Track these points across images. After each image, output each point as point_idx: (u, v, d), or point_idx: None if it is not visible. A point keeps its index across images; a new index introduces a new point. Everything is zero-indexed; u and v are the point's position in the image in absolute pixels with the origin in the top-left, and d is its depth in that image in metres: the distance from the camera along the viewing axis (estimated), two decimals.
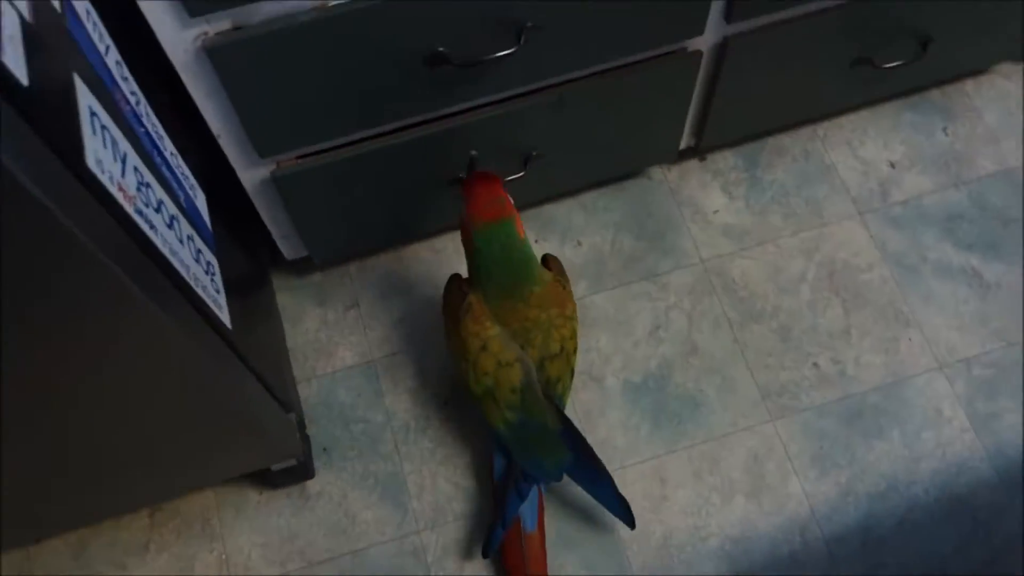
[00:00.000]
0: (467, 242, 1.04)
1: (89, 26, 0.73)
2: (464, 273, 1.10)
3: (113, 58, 0.78)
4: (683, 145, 1.34)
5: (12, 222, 0.53)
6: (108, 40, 0.78)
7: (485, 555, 1.12)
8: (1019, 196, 1.36)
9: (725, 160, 1.42)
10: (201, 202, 0.97)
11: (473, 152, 1.10)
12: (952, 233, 1.34)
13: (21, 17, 0.57)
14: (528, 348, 1.04)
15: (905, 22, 1.20)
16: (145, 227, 0.71)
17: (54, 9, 0.66)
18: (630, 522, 1.09)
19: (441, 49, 0.96)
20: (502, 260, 1.01)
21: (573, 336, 1.07)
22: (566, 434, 1.05)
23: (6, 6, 0.54)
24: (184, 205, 0.89)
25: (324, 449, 1.25)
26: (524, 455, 1.07)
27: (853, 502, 1.18)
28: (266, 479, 1.21)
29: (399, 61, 0.96)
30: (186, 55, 0.89)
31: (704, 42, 1.12)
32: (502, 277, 1.03)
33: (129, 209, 0.68)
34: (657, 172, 1.41)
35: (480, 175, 1.04)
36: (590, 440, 1.09)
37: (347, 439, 1.26)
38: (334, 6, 0.88)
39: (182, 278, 0.78)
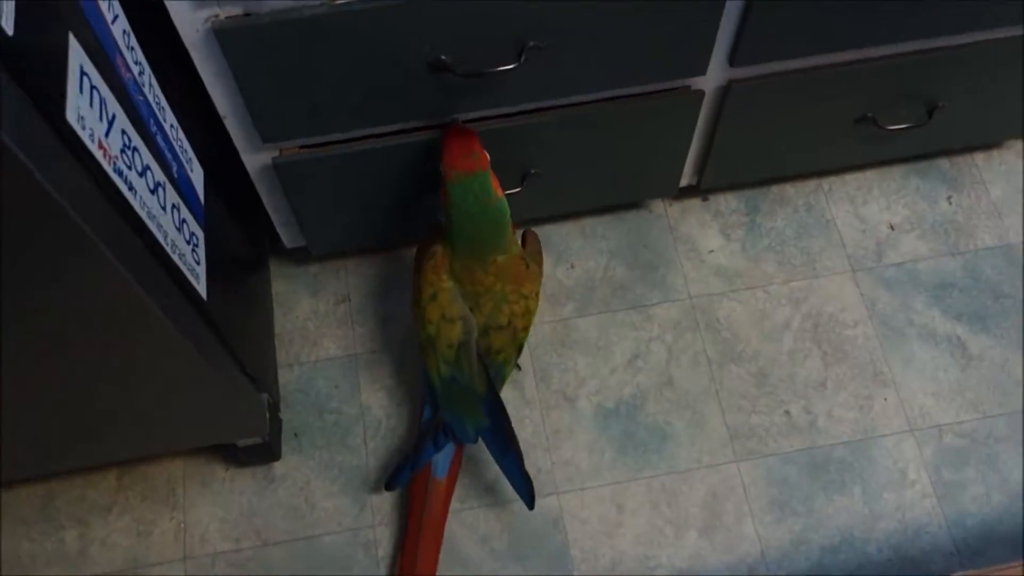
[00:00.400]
0: (443, 196, 1.05)
1: None
2: None
3: (120, 27, 0.82)
4: (684, 182, 1.36)
5: None
6: (118, 10, 0.82)
7: (387, 488, 1.17)
8: (1015, 272, 1.36)
9: (727, 203, 1.44)
10: (197, 177, 1.01)
11: (456, 116, 1.10)
12: (942, 300, 1.35)
13: None
14: (476, 312, 1.08)
15: (912, 86, 1.22)
16: (123, 187, 0.75)
17: None
18: (529, 501, 1.10)
19: (443, 57, 0.99)
20: (476, 214, 1.03)
21: (525, 315, 1.10)
22: (488, 402, 1.09)
23: None
24: (176, 176, 0.93)
25: (295, 434, 1.28)
26: (448, 410, 1.12)
27: (805, 551, 1.18)
28: (233, 456, 1.24)
29: (402, 64, 1.00)
30: (196, 35, 0.93)
31: (707, 82, 1.15)
32: (472, 232, 1.05)
33: (108, 167, 0.72)
34: (659, 206, 1.44)
35: (456, 128, 1.06)
36: (553, 457, 1.11)
37: (319, 427, 1.28)
38: (341, 3, 0.92)
39: (157, 242, 0.82)
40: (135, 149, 0.80)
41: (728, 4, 1.02)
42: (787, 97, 1.19)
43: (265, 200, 1.23)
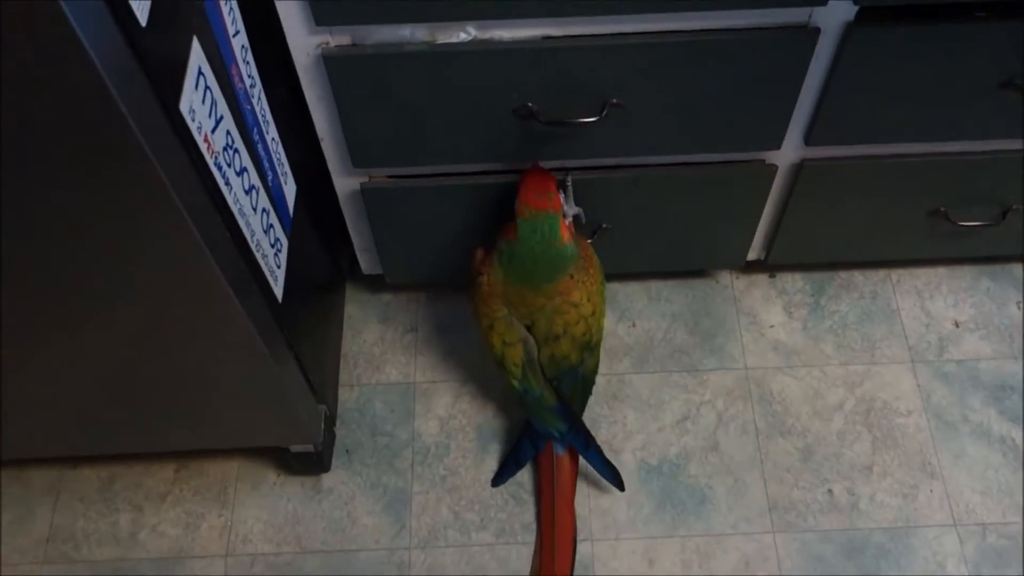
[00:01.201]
0: (509, 230, 1.09)
1: (224, 9, 0.86)
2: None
3: (240, 42, 0.91)
4: (752, 256, 1.39)
5: (100, 132, 0.64)
6: (240, 25, 0.91)
7: (494, 484, 1.29)
8: None
9: (794, 282, 1.46)
10: (290, 189, 1.09)
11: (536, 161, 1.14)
12: (1000, 402, 1.33)
13: None
14: (534, 330, 1.14)
15: (987, 185, 1.23)
16: (220, 180, 0.82)
17: None
18: (619, 485, 1.25)
19: (530, 104, 1.06)
20: (539, 253, 1.08)
21: (579, 321, 1.13)
22: (559, 409, 1.18)
23: None
24: (271, 184, 1.00)
25: (346, 451, 1.33)
26: (531, 417, 1.23)
27: None
28: (285, 463, 1.29)
29: (492, 106, 1.06)
30: (307, 59, 1.02)
31: (781, 158, 1.18)
32: (532, 268, 1.09)
33: (209, 159, 0.79)
34: (725, 277, 1.46)
35: (536, 168, 1.11)
36: (592, 504, 1.17)
37: (370, 447, 1.33)
38: (441, 44, 0.99)
39: (243, 237, 0.89)
40: (236, 150, 0.88)
41: (806, 84, 1.06)
42: (859, 182, 1.22)
43: (349, 224, 1.30)
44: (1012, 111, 1.09)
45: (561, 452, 1.24)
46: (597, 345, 1.19)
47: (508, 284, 1.11)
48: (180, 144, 0.73)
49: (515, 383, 1.17)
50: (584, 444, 1.22)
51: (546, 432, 1.22)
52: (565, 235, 1.09)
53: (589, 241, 1.22)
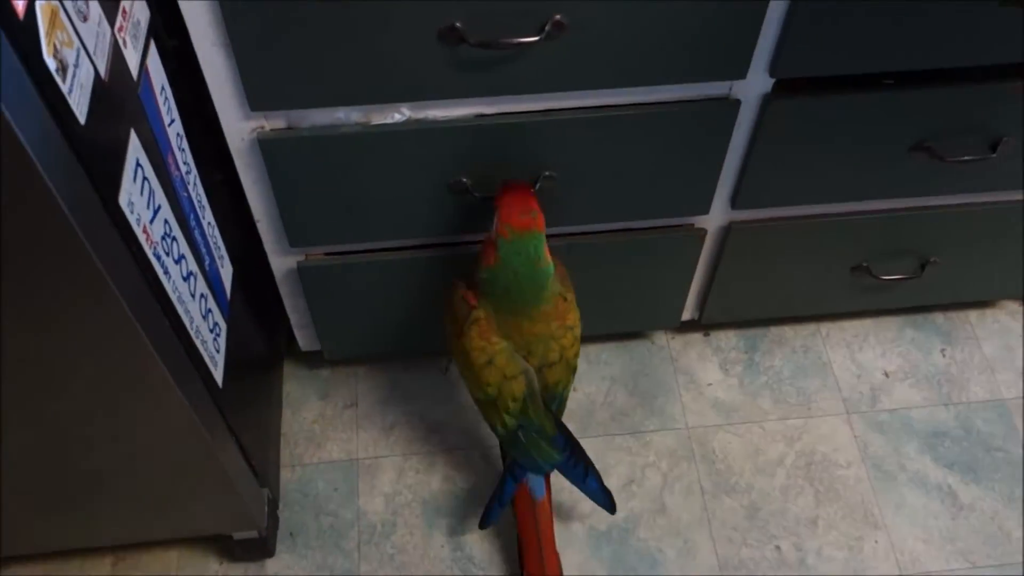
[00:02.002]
0: (488, 259, 1.01)
1: (160, 99, 0.86)
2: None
3: (175, 130, 0.91)
4: (686, 316, 1.42)
5: (37, 227, 0.64)
6: (175, 114, 0.91)
7: (481, 527, 1.22)
8: (1006, 427, 1.39)
9: (727, 339, 1.49)
10: (227, 272, 1.08)
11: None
12: (934, 449, 1.37)
13: (97, 73, 0.70)
14: (529, 358, 1.07)
15: (905, 240, 1.29)
16: (159, 270, 0.81)
17: (131, 77, 0.79)
18: (612, 509, 1.21)
19: (464, 179, 1.07)
20: (524, 276, 1.00)
21: (573, 344, 1.09)
22: (560, 439, 1.13)
23: (84, 60, 0.67)
24: (207, 269, 1.00)
25: (291, 534, 1.30)
26: (518, 452, 1.15)
27: None
28: (228, 550, 1.26)
29: (427, 182, 1.08)
30: (242, 143, 1.02)
31: (709, 222, 1.22)
32: (516, 292, 1.02)
33: (148, 250, 0.79)
34: (661, 338, 1.49)
35: (514, 184, 1.02)
36: None
37: (315, 529, 1.31)
38: (375, 125, 1.01)
39: (183, 325, 0.88)
40: (174, 238, 0.87)
41: (730, 152, 1.10)
42: (785, 242, 1.26)
43: (286, 302, 1.29)
44: (924, 170, 1.15)
45: (540, 496, 1.20)
46: (575, 369, 1.15)
47: (500, 313, 1.04)
48: (119, 237, 0.73)
49: (508, 420, 1.10)
50: (582, 474, 1.17)
51: (537, 467, 1.16)
52: (547, 255, 1.02)
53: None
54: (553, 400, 1.12)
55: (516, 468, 1.18)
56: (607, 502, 1.20)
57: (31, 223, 0.65)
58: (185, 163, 0.94)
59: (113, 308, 0.74)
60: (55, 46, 0.62)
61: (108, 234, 0.71)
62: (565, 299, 1.07)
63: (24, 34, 0.58)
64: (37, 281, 0.70)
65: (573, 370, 1.13)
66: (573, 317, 1.09)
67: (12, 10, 0.57)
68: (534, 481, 1.20)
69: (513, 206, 0.98)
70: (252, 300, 1.20)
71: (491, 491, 1.22)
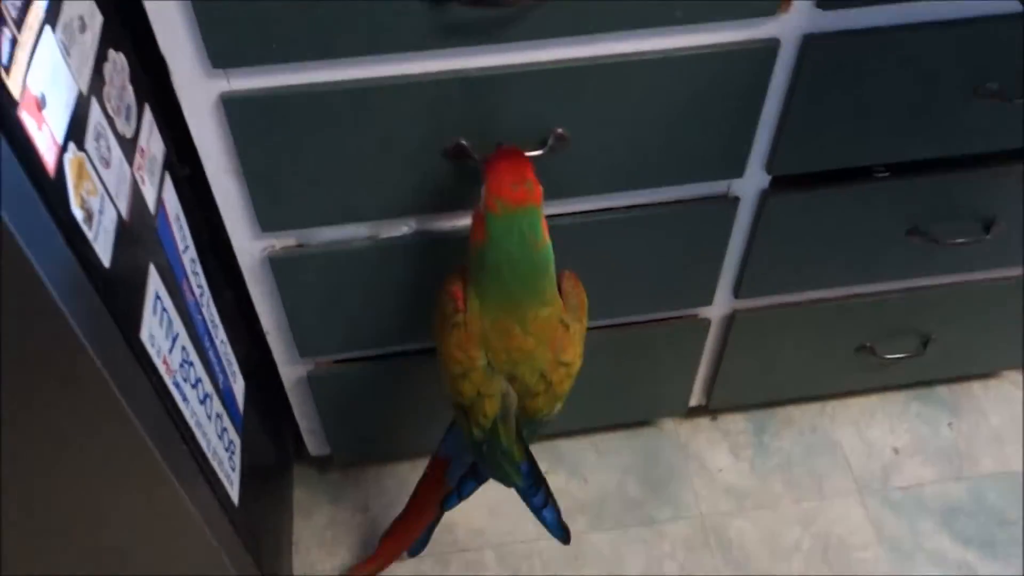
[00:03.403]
0: (477, 235, 0.87)
1: (175, 228, 0.88)
2: None
3: (190, 256, 0.93)
4: (694, 402, 1.42)
5: (66, 366, 0.64)
6: (189, 240, 0.93)
7: (411, 554, 1.25)
8: (1018, 499, 1.39)
9: (735, 423, 1.50)
10: (239, 387, 1.08)
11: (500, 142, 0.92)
12: (950, 525, 1.37)
13: (119, 215, 0.72)
14: (512, 382, 0.94)
15: (905, 320, 1.31)
16: (178, 397, 0.82)
17: (149, 212, 0.81)
18: (566, 540, 1.15)
19: None
20: (519, 259, 0.86)
21: (565, 380, 0.97)
22: (525, 466, 1.04)
23: (107, 205, 0.69)
24: (221, 387, 1.00)
25: None
26: (480, 461, 1.06)
27: None
28: None
29: (434, 291, 1.09)
30: (253, 261, 1.03)
31: (713, 311, 1.24)
32: (511, 281, 0.88)
33: (168, 380, 0.79)
34: (669, 424, 1.49)
35: (506, 150, 0.87)
36: None
37: None
38: (384, 238, 1.03)
39: (201, 449, 0.88)
40: (191, 364, 0.88)
41: (731, 246, 1.12)
42: (788, 327, 1.28)
43: (296, 409, 1.30)
44: (920, 253, 1.17)
45: (453, 504, 1.16)
46: (563, 399, 1.02)
47: (487, 314, 0.90)
48: (141, 371, 0.74)
49: (477, 433, 0.99)
50: (543, 501, 1.09)
51: (498, 480, 1.08)
52: (545, 233, 0.87)
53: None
54: (531, 425, 1.01)
55: (469, 481, 1.14)
56: (562, 535, 1.15)
57: (60, 367, 0.66)
58: (199, 286, 0.95)
59: (136, 442, 0.74)
60: (82, 197, 0.64)
61: (131, 371, 0.72)
62: (567, 327, 0.94)
63: (54, 191, 0.60)
64: (64, 419, 0.71)
65: (560, 398, 1.00)
66: (572, 352, 0.96)
67: (44, 170, 0.59)
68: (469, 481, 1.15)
69: (504, 174, 0.84)
70: (263, 411, 1.20)
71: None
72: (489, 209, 0.84)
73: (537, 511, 1.12)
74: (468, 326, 0.91)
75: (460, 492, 1.16)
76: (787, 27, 0.89)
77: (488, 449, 1.01)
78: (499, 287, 0.88)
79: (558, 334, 0.93)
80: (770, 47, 0.90)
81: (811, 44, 0.90)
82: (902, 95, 0.97)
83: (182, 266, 0.89)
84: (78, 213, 0.63)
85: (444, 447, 1.16)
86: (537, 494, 1.09)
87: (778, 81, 0.94)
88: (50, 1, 0.63)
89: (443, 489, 1.17)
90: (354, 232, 1.02)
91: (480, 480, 1.15)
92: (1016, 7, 0.89)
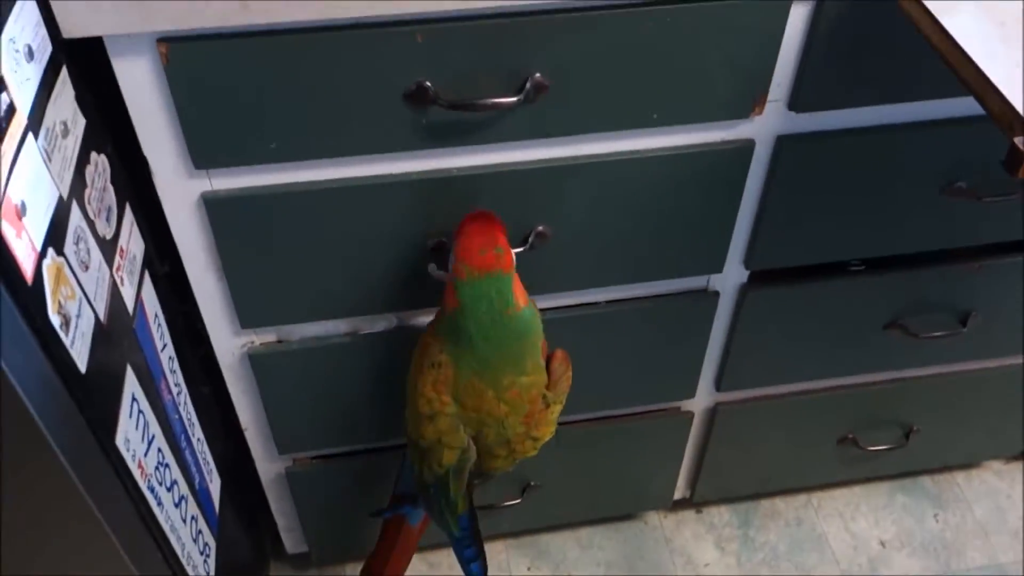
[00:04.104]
0: (449, 300, 0.86)
1: (153, 327, 0.88)
2: None
3: (168, 354, 0.92)
4: (678, 495, 1.41)
5: (38, 473, 0.63)
6: (167, 338, 0.92)
7: (371, 515, 1.13)
8: None
9: (720, 515, 1.48)
10: (215, 487, 1.06)
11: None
12: None
13: (97, 318, 0.71)
14: (477, 439, 0.92)
15: (886, 411, 1.31)
16: (153, 502, 0.80)
17: (127, 312, 0.80)
18: None
19: None
20: (489, 325, 0.84)
21: (531, 450, 0.96)
22: (464, 520, 1.00)
23: (85, 308, 0.68)
24: (197, 488, 0.98)
25: None
26: (425, 500, 1.02)
27: None
28: None
29: None
30: (232, 358, 1.03)
31: (696, 404, 1.23)
32: (484, 348, 0.85)
33: (143, 484, 0.78)
34: (654, 518, 1.47)
35: (476, 214, 0.85)
36: None
37: None
38: (364, 334, 1.02)
39: (175, 553, 0.86)
40: (167, 466, 0.86)
41: (711, 339, 1.13)
42: (771, 418, 1.27)
43: (274, 506, 1.27)
44: (899, 346, 1.18)
45: (415, 522, 1.11)
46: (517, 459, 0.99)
47: (461, 374, 0.88)
48: (116, 478, 0.72)
49: (427, 475, 0.96)
50: (474, 555, 1.04)
51: (435, 523, 1.05)
52: (520, 299, 0.85)
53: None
54: (482, 476, 0.99)
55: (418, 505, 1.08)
56: None
57: (31, 474, 0.64)
58: (176, 384, 0.94)
59: (109, 550, 0.72)
60: (60, 302, 0.63)
61: (105, 477, 0.70)
62: (548, 406, 0.92)
63: (31, 297, 0.60)
64: (35, 526, 0.69)
65: (519, 461, 0.98)
66: (547, 431, 0.94)
67: (21, 277, 0.58)
68: (417, 511, 1.10)
69: (473, 239, 0.82)
70: (239, 509, 1.18)
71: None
72: (456, 275, 0.82)
73: (466, 563, 1.07)
74: (444, 373, 0.88)
75: (397, 508, 1.12)
76: (761, 129, 0.92)
77: (434, 493, 0.98)
78: (472, 352, 0.86)
79: (535, 408, 0.91)
80: (746, 148, 0.92)
81: (785, 145, 0.93)
82: (875, 193, 0.99)
83: (160, 365, 0.88)
84: (55, 319, 0.63)
85: (402, 484, 1.12)
86: (470, 547, 1.04)
87: (754, 180, 0.96)
88: (33, 107, 0.64)
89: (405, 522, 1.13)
90: (335, 328, 1.01)
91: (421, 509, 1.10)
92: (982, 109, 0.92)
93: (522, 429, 0.92)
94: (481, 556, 1.07)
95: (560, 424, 1.19)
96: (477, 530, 1.04)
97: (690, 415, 1.24)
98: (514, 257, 0.84)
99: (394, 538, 1.13)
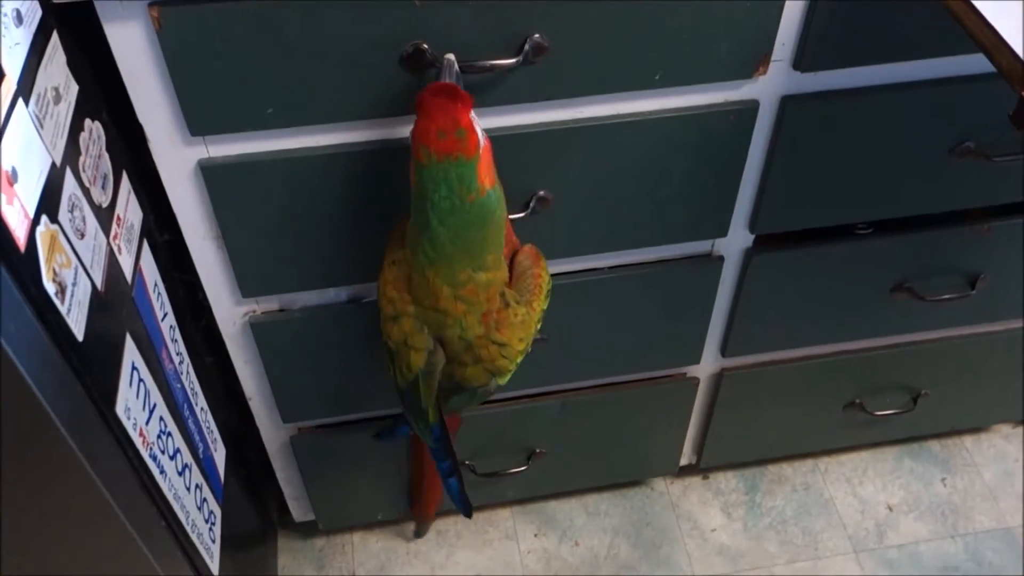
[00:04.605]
0: (412, 177, 0.78)
1: (153, 296, 0.87)
2: None
3: (169, 323, 0.92)
4: (684, 461, 1.40)
5: (37, 443, 0.63)
6: (168, 307, 0.92)
7: (376, 436, 1.16)
8: (1015, 555, 1.37)
9: (727, 481, 1.48)
10: (220, 456, 1.06)
11: (449, 56, 0.78)
12: None
13: (94, 287, 0.71)
14: (443, 344, 0.87)
15: (894, 376, 1.30)
16: (155, 470, 0.80)
17: (126, 281, 0.80)
18: (468, 513, 1.07)
19: None
20: (446, 211, 0.76)
21: (499, 358, 0.88)
22: (436, 430, 0.95)
23: (81, 276, 0.68)
24: (201, 456, 0.98)
25: None
26: (404, 408, 0.97)
27: None
28: None
29: None
30: (234, 327, 1.02)
31: (701, 370, 1.23)
32: (440, 236, 0.78)
33: (144, 453, 0.78)
34: (660, 484, 1.47)
35: (439, 87, 0.74)
36: None
37: None
38: (366, 302, 1.02)
39: (179, 521, 0.86)
40: (169, 434, 0.86)
41: (716, 304, 1.12)
42: (777, 384, 1.26)
43: (280, 475, 1.27)
44: (906, 310, 1.17)
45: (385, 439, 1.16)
46: (512, 371, 0.93)
47: (416, 265, 0.82)
48: (117, 446, 0.72)
49: (400, 381, 0.92)
50: (449, 470, 1.01)
51: (417, 429, 1.00)
52: (485, 180, 0.76)
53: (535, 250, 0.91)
54: (464, 394, 0.93)
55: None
56: (464, 507, 1.06)
57: (31, 444, 0.64)
58: (178, 353, 0.94)
59: (111, 519, 0.72)
60: (54, 270, 0.63)
61: (105, 446, 0.70)
62: (507, 306, 0.85)
63: (25, 265, 0.59)
64: (36, 495, 0.69)
65: (498, 374, 0.91)
66: (510, 335, 0.86)
67: (13, 244, 0.58)
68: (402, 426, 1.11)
69: (433, 119, 0.73)
70: (245, 478, 1.18)
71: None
72: (415, 157, 0.75)
73: (444, 477, 1.03)
74: (398, 266, 0.83)
75: (394, 432, 1.14)
76: (765, 89, 0.90)
77: (407, 401, 0.93)
78: (429, 239, 0.79)
79: (493, 308, 0.84)
80: (749, 108, 0.91)
81: (789, 105, 0.91)
82: (882, 154, 0.97)
83: (160, 334, 0.88)
84: (50, 287, 0.62)
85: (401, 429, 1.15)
86: (445, 460, 1.00)
87: (758, 142, 0.95)
88: (23, 73, 0.63)
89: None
90: (336, 295, 1.01)
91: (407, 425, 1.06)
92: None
93: (481, 331, 0.85)
94: (456, 472, 1.02)
95: (565, 391, 1.20)
96: (450, 447, 0.99)
97: (696, 381, 1.23)
98: (482, 137, 0.75)
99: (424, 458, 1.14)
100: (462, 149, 0.73)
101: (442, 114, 0.72)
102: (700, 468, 1.43)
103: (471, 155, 0.74)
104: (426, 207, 0.76)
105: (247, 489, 1.20)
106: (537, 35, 0.79)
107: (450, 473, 1.02)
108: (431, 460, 1.06)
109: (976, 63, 0.90)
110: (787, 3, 0.83)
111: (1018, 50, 0.60)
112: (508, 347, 0.87)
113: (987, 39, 0.63)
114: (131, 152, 0.85)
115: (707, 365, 1.22)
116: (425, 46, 0.78)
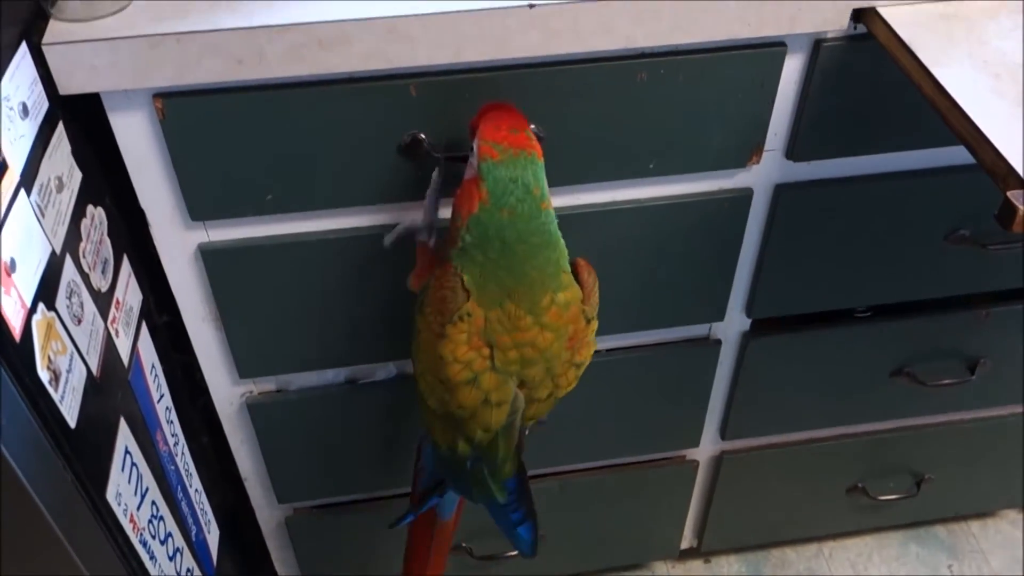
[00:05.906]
0: (469, 203, 0.72)
1: (150, 378, 0.87)
2: None
3: (164, 404, 0.92)
4: (685, 545, 1.38)
5: (23, 532, 0.62)
6: (164, 388, 0.92)
7: (391, 526, 0.98)
8: None
9: (729, 565, 1.45)
10: (213, 537, 1.05)
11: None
12: None
13: (89, 372, 0.71)
14: (521, 386, 0.79)
15: (896, 459, 1.28)
16: (145, 556, 0.79)
17: (122, 364, 0.80)
18: (534, 554, 0.96)
19: None
20: (526, 217, 0.71)
21: (572, 383, 0.83)
22: (513, 483, 0.87)
23: (76, 362, 0.68)
24: (194, 539, 0.97)
25: None
26: (451, 477, 0.90)
27: None
28: None
29: (415, 433, 1.07)
30: (231, 408, 1.02)
31: (701, 453, 1.22)
32: (519, 253, 0.72)
33: (134, 539, 0.77)
34: (661, 567, 1.45)
35: (498, 103, 0.74)
36: None
37: None
38: (364, 382, 1.02)
39: None
40: (161, 518, 0.85)
41: (715, 387, 1.11)
42: (777, 467, 1.25)
43: (274, 555, 1.26)
44: (907, 394, 1.16)
45: (447, 517, 1.00)
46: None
47: (489, 303, 0.74)
48: (105, 534, 0.71)
49: (463, 448, 0.82)
50: (522, 517, 0.92)
51: (465, 496, 0.93)
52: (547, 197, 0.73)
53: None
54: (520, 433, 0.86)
55: (444, 488, 0.95)
56: (532, 552, 0.95)
57: (15, 531, 0.64)
58: (173, 435, 0.94)
59: None
60: (49, 357, 0.63)
61: (93, 534, 0.70)
62: (589, 322, 0.79)
63: (20, 354, 0.60)
64: None
65: (558, 400, 0.86)
66: (588, 353, 0.82)
67: (9, 335, 0.58)
68: (447, 499, 0.98)
69: (500, 121, 0.71)
70: (239, 559, 1.16)
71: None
72: (485, 157, 0.69)
73: (511, 527, 0.93)
74: (477, 318, 0.74)
75: (423, 507, 0.98)
76: (759, 178, 0.91)
77: (473, 465, 0.84)
78: (504, 263, 0.72)
79: (579, 328, 0.78)
80: (744, 196, 0.92)
81: (783, 193, 0.92)
82: (877, 241, 0.98)
83: (156, 417, 0.88)
84: (44, 375, 0.62)
85: (424, 479, 0.98)
86: (518, 510, 0.91)
87: (753, 228, 0.96)
88: (26, 164, 0.64)
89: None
90: (334, 376, 1.01)
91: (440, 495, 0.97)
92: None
93: (567, 356, 0.79)
94: (531, 515, 0.93)
95: (563, 472, 1.19)
96: (526, 490, 0.90)
97: (695, 463, 1.22)
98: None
99: (427, 539, 1.02)
100: (533, 145, 0.71)
101: (509, 115, 0.71)
102: (702, 552, 1.41)
103: (541, 156, 0.71)
104: (498, 219, 0.71)
105: (241, 571, 1.19)
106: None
107: (521, 521, 0.93)
108: (429, 543, 1.04)
109: (966, 154, 0.91)
110: (779, 95, 0.85)
111: (1001, 149, 0.61)
112: (582, 367, 0.82)
113: (970, 135, 0.64)
114: (132, 235, 0.86)
115: (706, 448, 1.21)
116: (422, 136, 0.80)
